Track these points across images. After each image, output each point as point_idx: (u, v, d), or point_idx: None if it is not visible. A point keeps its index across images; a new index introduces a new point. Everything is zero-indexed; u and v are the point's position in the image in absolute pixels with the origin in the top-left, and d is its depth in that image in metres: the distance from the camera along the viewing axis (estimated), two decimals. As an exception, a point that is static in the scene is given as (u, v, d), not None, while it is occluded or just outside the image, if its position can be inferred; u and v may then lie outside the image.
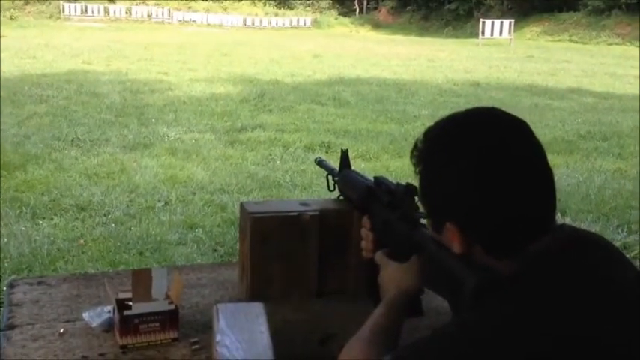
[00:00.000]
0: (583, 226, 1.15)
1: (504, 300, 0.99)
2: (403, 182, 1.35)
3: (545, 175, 1.08)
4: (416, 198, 1.27)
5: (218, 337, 1.28)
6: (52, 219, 4.60)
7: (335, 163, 1.74)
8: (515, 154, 1.05)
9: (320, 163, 1.81)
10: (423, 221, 1.28)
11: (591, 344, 0.94)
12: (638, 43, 26.29)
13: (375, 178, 1.48)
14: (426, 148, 1.13)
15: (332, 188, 1.70)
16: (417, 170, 1.15)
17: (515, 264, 1.04)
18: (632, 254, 4.24)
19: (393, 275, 1.29)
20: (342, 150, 1.70)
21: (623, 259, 1.10)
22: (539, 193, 1.06)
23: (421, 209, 1.28)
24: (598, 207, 5.28)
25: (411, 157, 1.16)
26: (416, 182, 1.19)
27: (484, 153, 1.05)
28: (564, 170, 6.41)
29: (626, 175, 6.46)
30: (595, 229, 4.58)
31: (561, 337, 0.93)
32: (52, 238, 4.20)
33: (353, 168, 1.68)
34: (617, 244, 4.27)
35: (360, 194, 1.51)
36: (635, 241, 4.59)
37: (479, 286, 1.04)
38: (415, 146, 1.15)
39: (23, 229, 4.34)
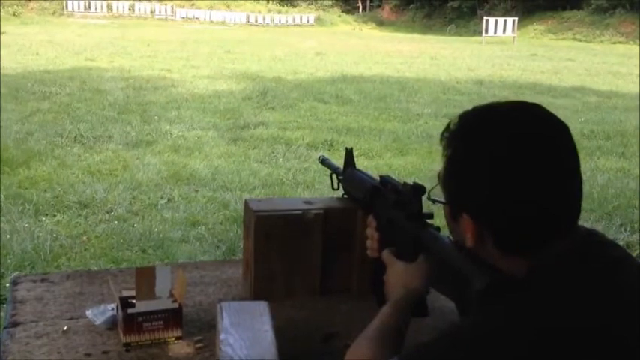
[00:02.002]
0: (586, 225, 1.13)
1: (513, 302, 0.98)
2: (407, 180, 1.35)
3: (574, 181, 1.05)
4: (423, 198, 1.26)
5: (222, 336, 1.28)
6: (54, 216, 4.60)
7: (338, 162, 1.74)
8: (548, 153, 1.02)
9: (324, 161, 1.80)
10: (430, 221, 1.27)
11: (602, 336, 0.94)
12: (641, 42, 26.26)
13: (381, 176, 1.47)
14: (459, 131, 1.09)
15: (336, 187, 1.70)
16: (445, 153, 1.11)
17: (528, 264, 1.03)
18: (635, 253, 4.23)
19: (401, 275, 1.28)
20: (346, 148, 1.69)
21: (628, 256, 1.09)
22: (563, 196, 1.04)
23: (427, 209, 1.28)
24: (601, 206, 5.28)
25: (441, 139, 1.12)
26: (422, 180, 1.18)
27: (517, 145, 1.02)
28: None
29: (629, 174, 6.45)
30: (598, 228, 4.57)
31: (569, 329, 0.93)
32: (54, 235, 4.20)
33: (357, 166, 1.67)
34: (620, 243, 4.26)
35: (366, 193, 1.50)
36: (637, 240, 4.58)
37: (487, 287, 1.03)
38: (447, 128, 1.12)
39: (26, 225, 4.34)
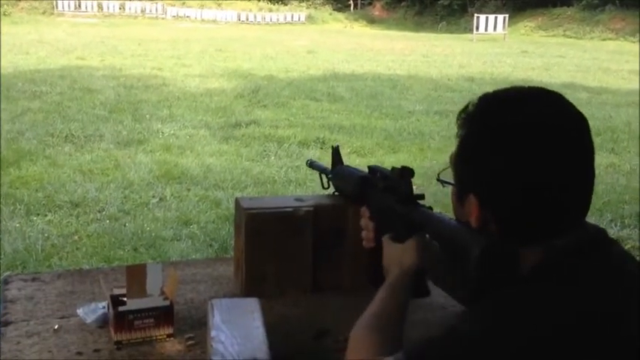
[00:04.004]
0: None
1: (522, 295, 0.98)
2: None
3: (585, 174, 1.05)
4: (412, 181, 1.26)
5: (213, 333, 1.28)
6: (46, 215, 4.59)
7: (329, 160, 1.74)
8: (561, 144, 1.01)
9: (312, 164, 1.79)
10: (422, 202, 1.28)
11: (610, 335, 0.94)
12: (631, 39, 26.33)
13: (369, 167, 1.48)
14: (476, 113, 1.09)
15: (326, 186, 1.70)
16: (459, 133, 1.10)
17: (533, 255, 1.01)
18: (626, 248, 4.25)
19: (394, 255, 1.27)
20: (332, 147, 1.69)
21: (626, 253, 1.10)
22: (572, 189, 1.03)
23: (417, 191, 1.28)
24: (592, 201, 5.29)
25: (458, 118, 1.11)
26: (414, 176, 1.17)
27: (531, 132, 1.01)
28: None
29: (620, 170, 6.48)
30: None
31: (578, 326, 0.93)
32: (46, 235, 4.19)
33: (346, 163, 1.67)
34: (611, 238, 4.29)
35: (355, 185, 1.50)
36: (628, 235, 4.61)
37: (485, 251, 1.01)
38: (465, 109, 1.11)
39: (17, 225, 4.33)
